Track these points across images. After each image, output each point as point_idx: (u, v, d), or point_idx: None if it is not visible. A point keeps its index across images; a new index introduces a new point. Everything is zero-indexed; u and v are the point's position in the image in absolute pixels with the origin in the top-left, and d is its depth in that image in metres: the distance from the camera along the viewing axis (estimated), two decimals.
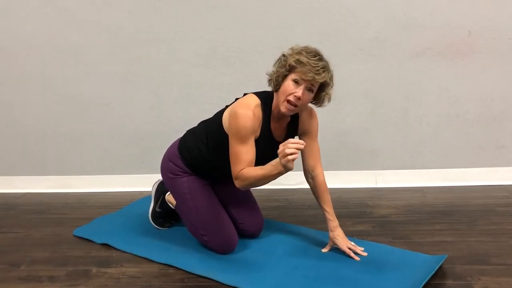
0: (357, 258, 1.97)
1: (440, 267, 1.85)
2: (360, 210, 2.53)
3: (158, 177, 2.46)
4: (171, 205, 2.33)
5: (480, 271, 1.85)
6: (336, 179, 2.75)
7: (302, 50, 1.81)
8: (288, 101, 1.82)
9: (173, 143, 2.20)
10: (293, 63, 1.79)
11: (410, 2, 2.64)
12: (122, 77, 2.90)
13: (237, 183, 1.87)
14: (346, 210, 2.51)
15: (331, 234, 2.04)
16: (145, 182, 2.78)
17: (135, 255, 2.13)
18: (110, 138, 3.01)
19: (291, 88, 1.81)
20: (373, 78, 2.77)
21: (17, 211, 2.77)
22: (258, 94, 1.94)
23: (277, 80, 1.85)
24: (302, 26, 2.70)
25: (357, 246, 2.02)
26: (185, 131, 2.20)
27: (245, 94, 1.98)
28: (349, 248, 2.00)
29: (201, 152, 2.05)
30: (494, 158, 2.81)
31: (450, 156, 2.84)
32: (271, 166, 1.74)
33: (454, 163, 2.84)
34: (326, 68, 1.81)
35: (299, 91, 1.80)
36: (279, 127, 1.99)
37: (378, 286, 1.77)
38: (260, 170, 1.79)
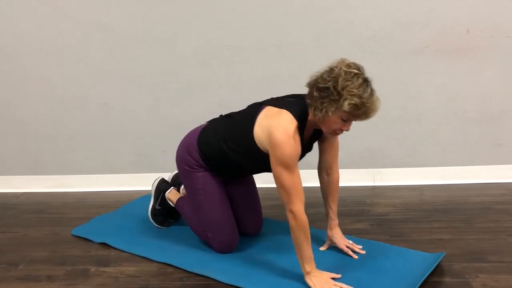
0: (355, 256, 1.98)
1: (438, 265, 1.86)
2: (358, 208, 2.53)
3: (157, 176, 2.46)
4: (171, 203, 2.33)
5: (478, 268, 1.86)
6: None
7: (358, 90, 1.65)
8: (335, 133, 1.77)
9: (192, 132, 2.10)
10: (347, 109, 1.64)
11: (409, 0, 2.64)
12: (120, 76, 2.89)
13: (291, 218, 1.75)
14: (344, 208, 2.51)
15: (329, 232, 2.05)
16: (144, 182, 2.78)
17: (134, 254, 2.13)
18: (109, 137, 3.00)
19: (339, 124, 1.72)
20: (371, 76, 2.74)
21: (15, 211, 2.77)
22: (293, 111, 1.78)
23: (325, 113, 1.69)
24: (301, 24, 2.69)
25: (355, 245, 2.03)
26: (206, 122, 2.10)
27: (277, 100, 1.87)
28: (347, 247, 2.01)
29: (222, 150, 1.96)
30: (492, 156, 2.82)
31: (448, 154, 2.84)
32: (311, 260, 1.79)
33: (452, 161, 2.84)
34: (378, 108, 1.71)
35: (347, 127, 1.74)
36: (308, 134, 1.90)
37: (376, 284, 1.78)
38: (307, 248, 1.78)
